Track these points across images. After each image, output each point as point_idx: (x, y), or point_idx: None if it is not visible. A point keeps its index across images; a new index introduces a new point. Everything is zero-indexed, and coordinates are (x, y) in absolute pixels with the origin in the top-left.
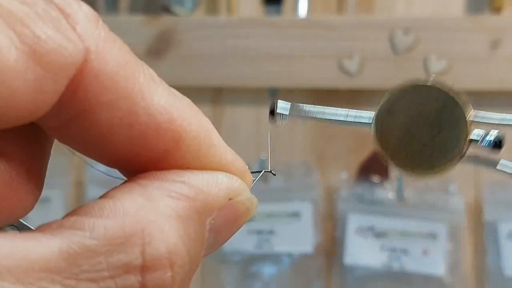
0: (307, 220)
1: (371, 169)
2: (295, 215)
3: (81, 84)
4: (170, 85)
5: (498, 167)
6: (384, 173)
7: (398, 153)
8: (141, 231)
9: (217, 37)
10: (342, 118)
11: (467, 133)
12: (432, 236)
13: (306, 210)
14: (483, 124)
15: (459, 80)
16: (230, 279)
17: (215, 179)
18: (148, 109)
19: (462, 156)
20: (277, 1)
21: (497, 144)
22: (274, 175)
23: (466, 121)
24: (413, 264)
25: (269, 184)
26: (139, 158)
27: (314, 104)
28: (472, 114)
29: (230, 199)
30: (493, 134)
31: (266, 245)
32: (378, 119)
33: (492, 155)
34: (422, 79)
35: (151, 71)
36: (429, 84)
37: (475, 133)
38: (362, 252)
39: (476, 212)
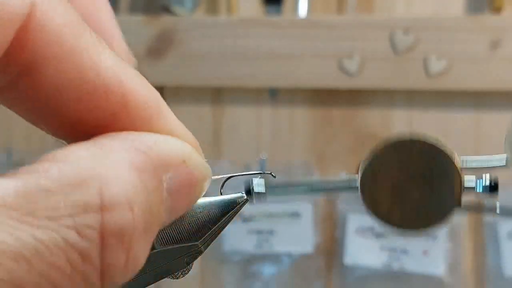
0: (307, 220)
1: None
2: (295, 215)
3: (27, 39)
4: (170, 85)
5: (498, 211)
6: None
7: (391, 215)
8: (97, 174)
9: (217, 37)
10: (323, 187)
11: (460, 183)
12: (432, 236)
13: (306, 210)
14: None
15: (459, 80)
16: (230, 279)
17: (166, 139)
18: (96, 68)
19: (459, 207)
20: (277, 1)
21: (494, 187)
22: (274, 177)
23: (457, 171)
24: (413, 264)
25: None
26: (87, 123)
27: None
28: (460, 161)
29: (184, 161)
30: (487, 178)
31: (266, 245)
32: (363, 184)
33: (490, 199)
34: (402, 134)
35: (96, 34)
36: (411, 138)
37: (467, 179)
38: (362, 252)
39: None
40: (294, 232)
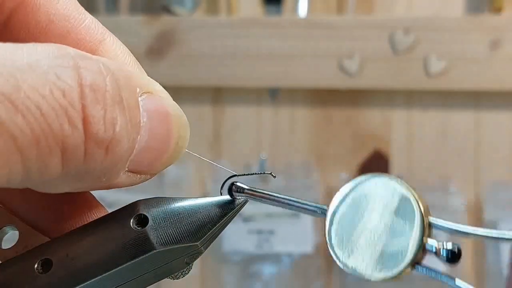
0: (307, 220)
1: (371, 169)
2: (295, 215)
3: None
4: (170, 85)
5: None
6: (384, 173)
7: (353, 254)
8: (74, 51)
9: (217, 37)
10: (292, 206)
11: (423, 240)
12: (432, 236)
13: None
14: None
15: (459, 80)
16: (230, 279)
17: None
18: (81, 12)
19: (416, 264)
20: (277, 1)
21: (454, 257)
22: (274, 177)
23: (423, 225)
24: None
25: (269, 184)
26: None
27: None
28: (428, 219)
29: (156, 91)
30: (449, 245)
31: (266, 245)
32: (333, 217)
33: (448, 268)
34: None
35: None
36: (386, 179)
37: (430, 242)
38: None
39: (476, 212)
40: (294, 232)
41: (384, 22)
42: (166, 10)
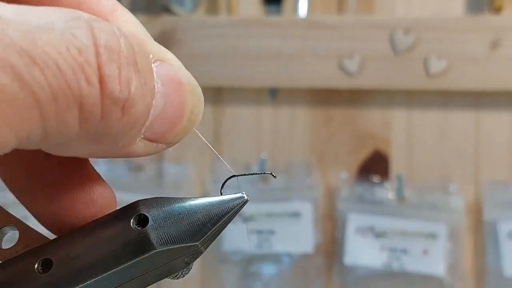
0: (307, 220)
1: (371, 169)
2: (295, 215)
3: None
4: None
5: None
6: (384, 173)
7: None
8: (88, 15)
9: (217, 37)
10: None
11: None
12: (432, 236)
13: (306, 210)
14: None
15: (459, 80)
16: (230, 279)
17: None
18: None
19: None
20: (277, 1)
21: None
22: (275, 177)
23: None
24: (413, 264)
25: (269, 184)
26: None
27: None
28: None
29: (168, 59)
30: None
31: (266, 245)
32: None
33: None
34: None
35: None
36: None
37: None
38: (362, 252)
39: (476, 212)
40: (294, 232)
41: (384, 22)
42: (166, 10)
